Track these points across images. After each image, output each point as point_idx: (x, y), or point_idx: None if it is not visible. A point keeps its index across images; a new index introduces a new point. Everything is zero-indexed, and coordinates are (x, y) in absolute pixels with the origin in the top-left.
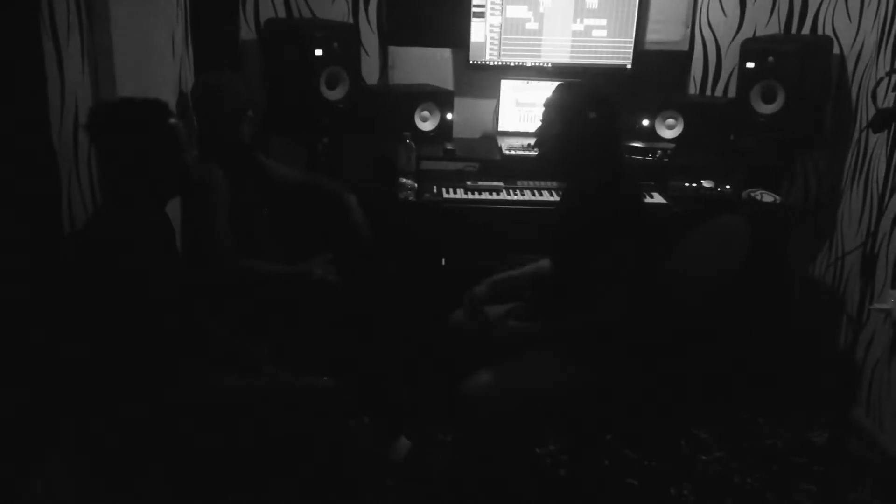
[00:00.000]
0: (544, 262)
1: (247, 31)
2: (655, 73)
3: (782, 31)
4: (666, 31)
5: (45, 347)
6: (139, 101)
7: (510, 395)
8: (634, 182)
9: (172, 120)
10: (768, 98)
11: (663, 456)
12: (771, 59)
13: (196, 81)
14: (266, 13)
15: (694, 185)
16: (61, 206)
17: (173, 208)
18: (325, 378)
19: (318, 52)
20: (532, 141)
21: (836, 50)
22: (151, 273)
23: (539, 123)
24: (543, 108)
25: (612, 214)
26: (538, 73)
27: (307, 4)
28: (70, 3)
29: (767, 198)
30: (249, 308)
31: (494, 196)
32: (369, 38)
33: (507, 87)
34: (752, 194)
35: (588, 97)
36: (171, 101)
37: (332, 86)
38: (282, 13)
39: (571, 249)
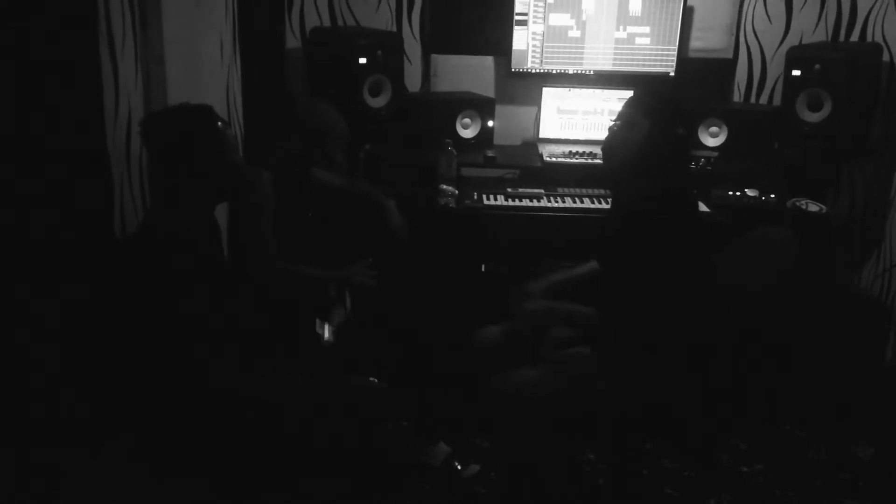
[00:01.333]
0: (594, 264)
1: (292, 39)
2: (699, 81)
3: (830, 39)
4: (710, 38)
5: (97, 345)
6: (188, 107)
7: (544, 395)
8: (693, 192)
9: (220, 124)
10: (814, 106)
11: (702, 466)
12: (818, 66)
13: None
14: (311, 21)
15: (738, 193)
16: (113, 209)
17: (221, 211)
18: (373, 379)
19: (362, 60)
20: (593, 146)
21: (885, 57)
22: (199, 274)
23: (615, 125)
24: (626, 108)
25: (675, 223)
26: (580, 80)
27: (351, 13)
28: (126, 11)
29: (813, 207)
30: (290, 310)
31: (535, 203)
32: (412, 46)
33: (549, 94)
34: (798, 203)
35: (680, 111)
36: (220, 106)
37: (375, 93)
38: (326, 21)
39: (627, 254)
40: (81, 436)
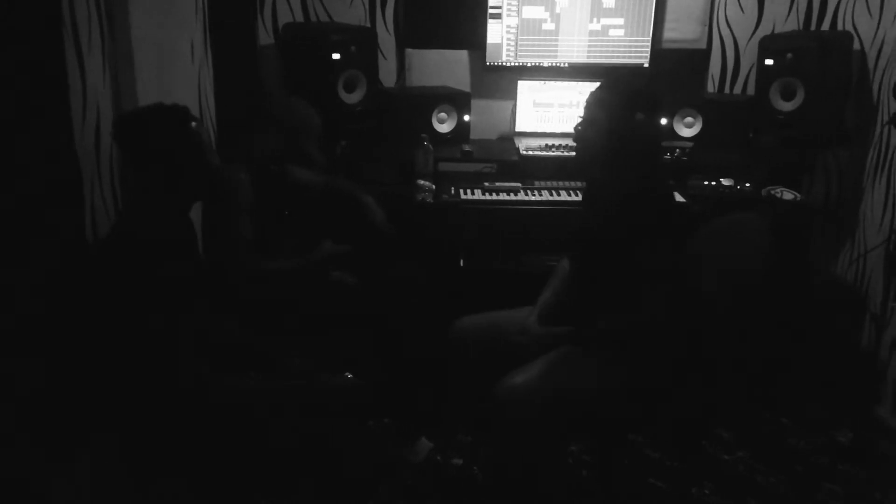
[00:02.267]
0: (563, 264)
1: (265, 36)
2: (673, 72)
3: (801, 28)
4: (683, 29)
5: (74, 347)
6: (162, 107)
7: (545, 398)
8: (668, 181)
9: (194, 124)
10: (788, 95)
11: (685, 456)
12: (790, 55)
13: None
14: (284, 18)
15: (713, 183)
16: (84, 211)
17: (195, 211)
18: (348, 375)
19: (336, 56)
20: (569, 139)
21: (856, 46)
22: (175, 276)
23: (579, 120)
24: (586, 106)
25: (653, 214)
26: (555, 73)
27: (324, 8)
28: (91, 10)
29: (788, 195)
30: (266, 308)
31: (512, 196)
32: (386, 41)
33: (524, 87)
34: (773, 192)
35: (636, 96)
36: (191, 105)
37: (350, 89)
38: (299, 17)
39: (607, 248)
40: (54, 443)
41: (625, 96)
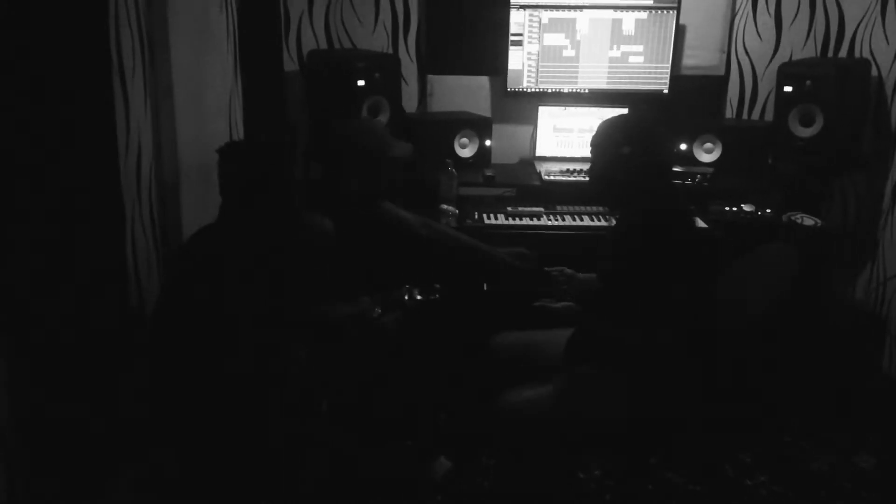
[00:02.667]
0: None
1: (289, 63)
2: (692, 98)
3: (819, 55)
4: (702, 56)
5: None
6: (274, 142)
7: (549, 413)
8: (684, 209)
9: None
10: (806, 121)
11: (707, 480)
12: (809, 82)
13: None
14: (308, 45)
15: (734, 208)
16: (125, 242)
17: None
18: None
19: (361, 83)
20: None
21: (874, 72)
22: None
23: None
24: (589, 145)
25: (660, 244)
26: (575, 99)
27: (348, 36)
28: (136, 42)
29: (808, 221)
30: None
31: (535, 221)
32: (408, 67)
33: (545, 113)
34: (793, 218)
35: (621, 131)
36: (223, 133)
37: (374, 114)
38: (323, 44)
39: (618, 276)
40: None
41: (609, 133)
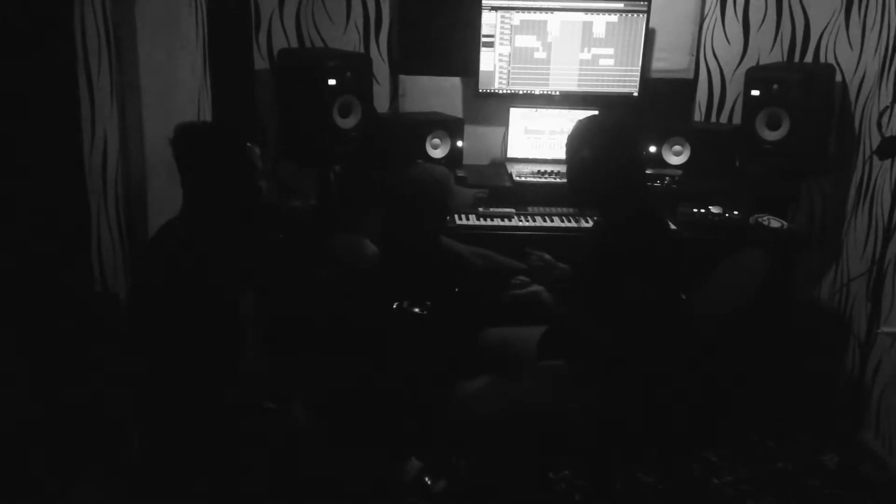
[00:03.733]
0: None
1: (259, 61)
2: (661, 101)
3: (785, 59)
4: (671, 59)
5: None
6: (222, 125)
7: (502, 401)
8: (656, 211)
9: (249, 145)
10: (773, 125)
11: (676, 479)
12: (775, 86)
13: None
14: (279, 43)
15: (702, 210)
16: (91, 238)
17: None
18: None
19: (332, 82)
20: (561, 166)
21: (838, 77)
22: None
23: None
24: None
25: (637, 245)
26: (546, 101)
27: (319, 35)
28: (101, 39)
29: (775, 223)
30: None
31: (507, 222)
32: (380, 67)
33: (516, 114)
34: (760, 220)
35: (580, 135)
36: None
37: (344, 114)
38: (294, 43)
39: (594, 277)
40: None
41: (570, 138)
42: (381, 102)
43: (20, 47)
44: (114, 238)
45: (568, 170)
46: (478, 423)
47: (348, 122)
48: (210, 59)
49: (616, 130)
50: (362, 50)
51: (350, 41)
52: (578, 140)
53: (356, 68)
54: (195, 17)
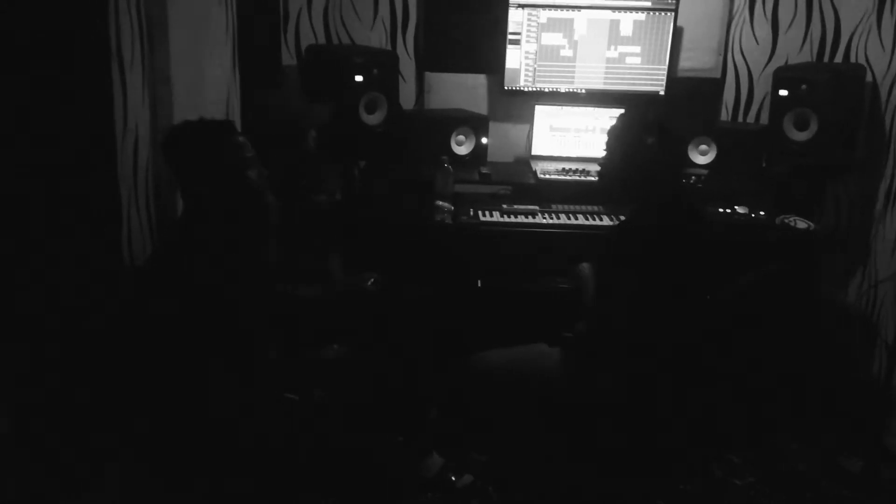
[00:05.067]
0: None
1: (287, 57)
2: (688, 100)
3: (814, 59)
4: (699, 58)
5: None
6: (210, 122)
7: (512, 372)
8: (692, 206)
9: (241, 138)
10: (801, 125)
11: (696, 480)
12: (804, 86)
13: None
14: (306, 39)
15: (728, 210)
16: (121, 228)
17: None
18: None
19: (359, 78)
20: (585, 164)
21: (868, 78)
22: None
23: (603, 151)
24: (606, 136)
25: (672, 242)
26: (572, 98)
27: (346, 31)
28: (135, 30)
29: (801, 224)
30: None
31: (530, 219)
32: (407, 64)
33: (541, 112)
34: (786, 220)
35: (642, 123)
36: None
37: (370, 111)
38: (321, 39)
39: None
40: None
41: (629, 125)
42: (407, 99)
43: (55, 37)
44: (143, 227)
45: (619, 156)
46: (497, 391)
47: (374, 119)
48: (239, 53)
49: (662, 122)
50: (389, 47)
51: (377, 38)
52: (642, 126)
53: (383, 65)
54: (225, 13)
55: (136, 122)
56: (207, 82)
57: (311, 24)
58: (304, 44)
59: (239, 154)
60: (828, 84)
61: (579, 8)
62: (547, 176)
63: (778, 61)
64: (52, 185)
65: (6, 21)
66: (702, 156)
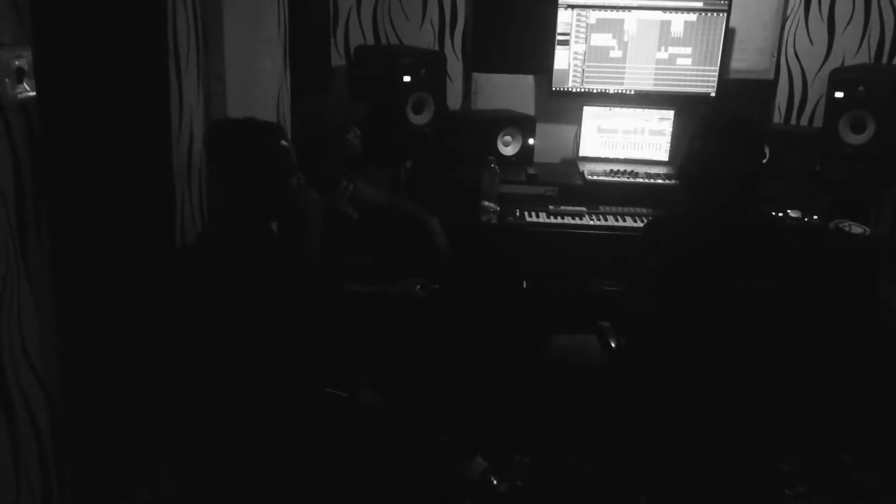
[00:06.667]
0: None
1: (336, 57)
2: (740, 102)
3: (872, 61)
4: (751, 59)
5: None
6: (256, 121)
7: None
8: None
9: (284, 143)
10: (857, 128)
11: (747, 488)
12: (861, 88)
13: (296, 106)
14: (355, 40)
15: (781, 214)
16: (175, 223)
17: None
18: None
19: (406, 78)
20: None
21: None
22: (253, 288)
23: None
24: (693, 132)
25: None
26: (621, 100)
27: (395, 31)
28: (190, 28)
29: (856, 229)
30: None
31: (577, 221)
32: (454, 64)
33: (589, 113)
34: (840, 225)
35: (698, 125)
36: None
37: (418, 111)
38: (370, 40)
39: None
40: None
41: (694, 124)
42: (455, 99)
43: (118, 36)
44: (196, 221)
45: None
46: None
47: (421, 119)
48: (290, 53)
49: (723, 129)
50: (437, 47)
51: (425, 39)
52: (696, 129)
53: (431, 65)
54: (278, 12)
55: (191, 119)
56: (260, 80)
57: (361, 24)
58: (353, 44)
59: (282, 161)
60: (886, 86)
61: (629, 9)
62: (594, 177)
63: (834, 62)
64: (113, 179)
65: (75, 21)
66: None
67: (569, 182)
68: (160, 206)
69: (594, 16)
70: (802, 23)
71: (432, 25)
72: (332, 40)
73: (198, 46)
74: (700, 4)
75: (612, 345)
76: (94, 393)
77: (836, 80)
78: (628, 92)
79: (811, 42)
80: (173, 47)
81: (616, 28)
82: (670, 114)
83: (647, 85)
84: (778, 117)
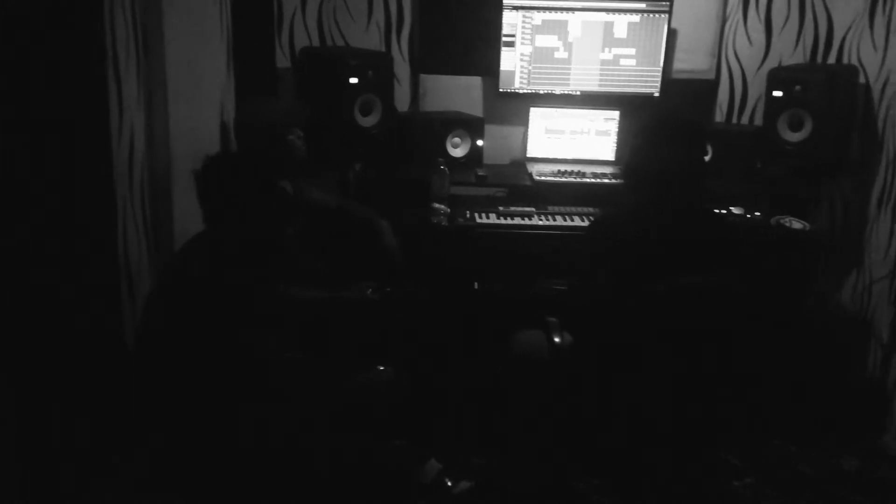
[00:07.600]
0: None
1: (282, 59)
2: (683, 102)
3: (808, 61)
4: (693, 60)
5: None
6: (253, 156)
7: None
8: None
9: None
10: (795, 126)
11: (696, 481)
12: (798, 87)
13: (238, 112)
14: (300, 41)
15: (723, 211)
16: (116, 230)
17: None
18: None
19: (353, 80)
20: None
21: (861, 79)
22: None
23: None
24: (635, 135)
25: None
26: (567, 100)
27: (340, 33)
28: (129, 32)
29: (796, 225)
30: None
31: (527, 221)
32: (401, 66)
33: (537, 114)
34: (781, 221)
35: (639, 123)
36: (214, 127)
37: (365, 112)
38: (315, 41)
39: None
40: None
41: (668, 125)
42: (402, 101)
43: (50, 35)
44: (139, 235)
45: (637, 157)
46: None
47: (369, 121)
48: (234, 55)
49: (654, 127)
50: (383, 49)
51: (371, 40)
52: (636, 126)
53: (377, 67)
54: (220, 15)
55: (131, 125)
56: (203, 84)
57: (306, 25)
58: (298, 46)
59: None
60: (822, 85)
61: (573, 10)
62: (543, 178)
63: (771, 62)
64: (49, 191)
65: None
66: None
67: (518, 183)
68: (99, 212)
69: (539, 17)
70: (741, 24)
71: (378, 27)
72: (277, 42)
73: (137, 50)
74: (643, 6)
75: (556, 340)
76: None
77: (774, 80)
78: (574, 93)
79: (750, 42)
80: (111, 51)
81: (560, 29)
82: (616, 114)
83: (593, 86)
84: (720, 116)
